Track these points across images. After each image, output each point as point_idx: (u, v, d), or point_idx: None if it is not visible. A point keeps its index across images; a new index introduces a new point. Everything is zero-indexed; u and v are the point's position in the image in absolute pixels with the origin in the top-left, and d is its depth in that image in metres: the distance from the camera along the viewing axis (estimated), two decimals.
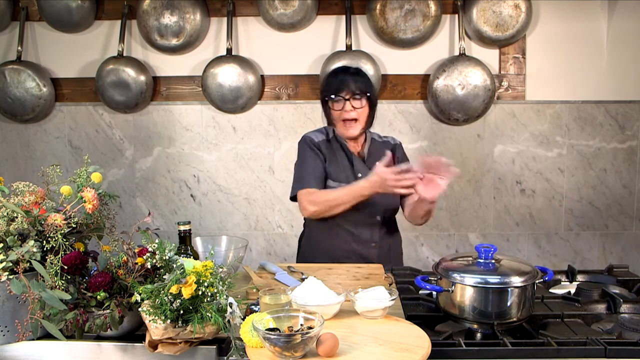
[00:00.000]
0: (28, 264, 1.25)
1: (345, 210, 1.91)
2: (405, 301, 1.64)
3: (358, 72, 1.99)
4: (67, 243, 1.30)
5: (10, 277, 1.23)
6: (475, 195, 3.11)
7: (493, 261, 1.52)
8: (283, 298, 1.34)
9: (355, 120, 1.94)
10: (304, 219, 2.18)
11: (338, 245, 2.02)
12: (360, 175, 1.99)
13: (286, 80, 3.07)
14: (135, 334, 1.33)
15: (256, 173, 3.15)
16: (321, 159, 2.01)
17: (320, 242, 2.09)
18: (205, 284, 1.19)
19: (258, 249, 3.17)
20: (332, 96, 1.94)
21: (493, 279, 1.44)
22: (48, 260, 1.25)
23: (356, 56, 2.94)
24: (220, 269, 1.29)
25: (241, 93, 2.99)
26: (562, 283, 1.92)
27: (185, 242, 1.58)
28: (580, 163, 3.08)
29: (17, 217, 1.29)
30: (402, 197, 2.05)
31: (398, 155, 2.07)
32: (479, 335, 1.47)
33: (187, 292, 1.16)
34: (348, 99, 1.91)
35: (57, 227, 1.28)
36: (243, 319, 1.22)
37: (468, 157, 3.08)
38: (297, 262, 2.18)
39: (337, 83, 1.94)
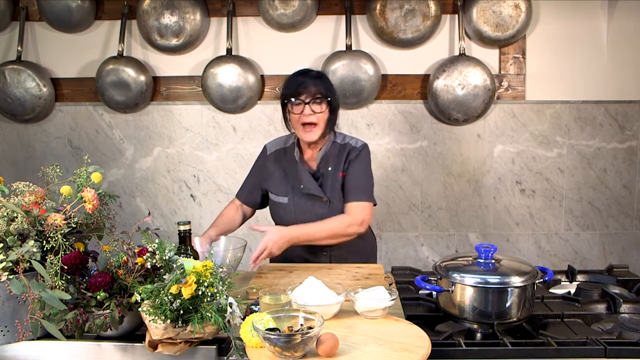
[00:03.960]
0: (28, 264, 1.25)
1: (292, 221, 1.98)
2: (405, 301, 1.64)
3: (319, 76, 1.93)
4: (67, 243, 1.30)
5: (10, 277, 1.23)
6: (475, 195, 3.11)
7: (493, 261, 1.52)
8: (283, 298, 1.34)
9: (315, 124, 1.89)
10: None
11: (292, 252, 2.02)
12: (302, 186, 1.98)
13: None
14: (135, 334, 1.33)
15: None
16: (260, 175, 2.09)
17: None
18: (205, 284, 1.19)
19: None
20: (292, 99, 1.88)
21: (493, 279, 1.45)
22: (48, 260, 1.25)
23: (356, 56, 2.94)
24: (220, 269, 1.29)
25: (241, 93, 2.99)
26: (562, 283, 1.92)
27: (185, 242, 1.57)
28: (580, 163, 3.08)
29: (17, 217, 1.29)
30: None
31: (351, 157, 1.98)
32: (479, 335, 1.47)
33: (187, 292, 1.16)
34: (308, 103, 1.86)
35: (57, 227, 1.28)
36: (243, 319, 1.22)
37: (468, 157, 3.08)
38: (269, 262, 2.18)
39: (296, 86, 1.88)
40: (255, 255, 1.82)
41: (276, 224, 2.08)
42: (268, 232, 1.86)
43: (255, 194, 2.12)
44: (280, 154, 2.07)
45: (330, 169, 1.99)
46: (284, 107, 1.97)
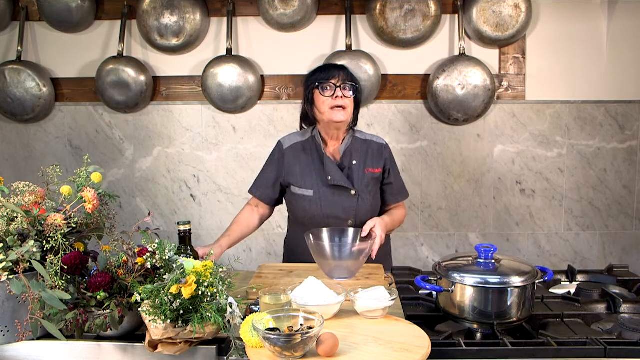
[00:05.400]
0: (28, 264, 1.25)
1: (318, 215, 1.97)
2: (405, 301, 1.64)
3: (345, 67, 2.01)
4: (67, 243, 1.30)
5: (10, 277, 1.23)
6: (475, 195, 3.11)
7: (493, 261, 1.52)
8: (283, 298, 1.34)
9: (344, 108, 1.92)
10: (288, 219, 2.18)
11: (302, 251, 1.98)
12: (330, 177, 1.97)
13: (286, 80, 3.07)
14: (135, 334, 1.33)
15: (256, 173, 3.07)
16: (279, 169, 2.05)
17: (297, 245, 2.08)
18: (205, 284, 1.19)
19: (258, 249, 3.17)
20: (323, 83, 1.92)
21: (493, 279, 1.45)
22: (48, 260, 1.25)
23: (356, 56, 2.94)
24: (220, 269, 1.29)
25: (241, 93, 2.99)
26: (562, 283, 1.92)
27: (185, 242, 1.57)
28: (580, 163, 3.08)
29: (17, 217, 1.29)
30: (383, 202, 2.08)
31: (386, 156, 2.05)
32: (479, 335, 1.47)
33: (187, 292, 1.16)
34: (339, 86, 1.91)
35: (57, 227, 1.28)
36: (243, 319, 1.22)
37: (468, 157, 3.08)
38: (282, 262, 2.18)
39: (327, 73, 1.94)
40: (377, 250, 1.82)
41: (299, 218, 2.05)
42: (375, 223, 1.86)
43: (275, 189, 2.07)
44: (298, 147, 2.05)
45: (354, 162, 1.99)
46: (308, 95, 1.98)
